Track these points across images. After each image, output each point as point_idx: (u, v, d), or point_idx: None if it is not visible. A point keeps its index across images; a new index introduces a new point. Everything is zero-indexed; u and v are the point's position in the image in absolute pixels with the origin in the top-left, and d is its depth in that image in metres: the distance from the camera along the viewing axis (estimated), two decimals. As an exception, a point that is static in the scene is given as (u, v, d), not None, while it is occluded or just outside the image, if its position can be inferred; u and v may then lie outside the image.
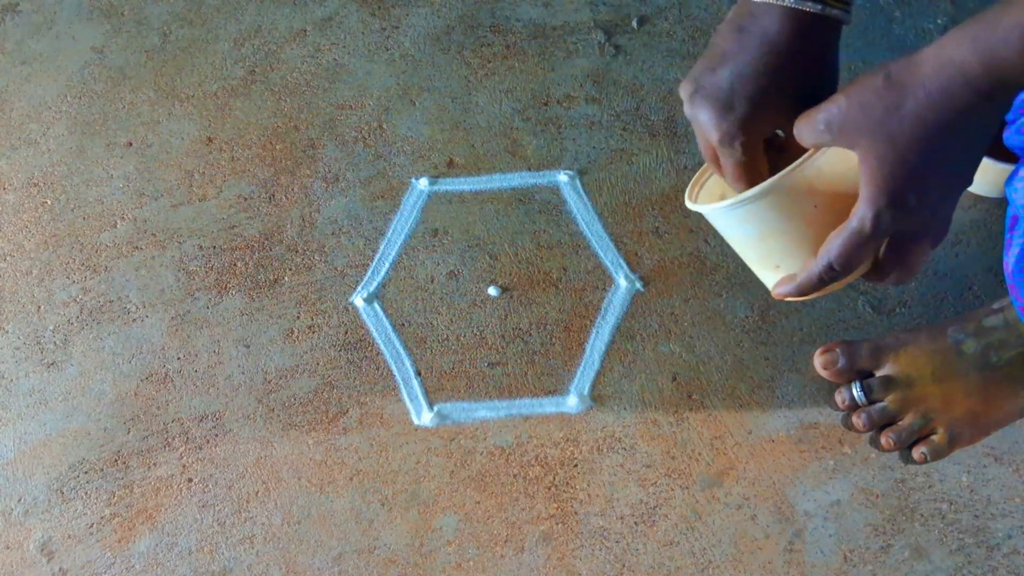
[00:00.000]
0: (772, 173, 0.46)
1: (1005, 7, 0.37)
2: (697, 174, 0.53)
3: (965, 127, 0.40)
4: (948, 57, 0.38)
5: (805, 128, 0.43)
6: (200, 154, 0.87)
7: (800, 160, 0.44)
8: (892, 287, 0.76)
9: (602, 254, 0.79)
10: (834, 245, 0.44)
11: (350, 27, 0.94)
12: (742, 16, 0.46)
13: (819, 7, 0.44)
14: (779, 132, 0.49)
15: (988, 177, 0.77)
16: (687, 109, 0.48)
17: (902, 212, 0.42)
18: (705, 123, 0.47)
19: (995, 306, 0.68)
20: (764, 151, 0.48)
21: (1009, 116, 0.59)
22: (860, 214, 0.42)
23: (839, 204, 0.44)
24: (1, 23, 0.98)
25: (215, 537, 0.69)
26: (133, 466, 0.72)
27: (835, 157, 0.44)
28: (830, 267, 0.44)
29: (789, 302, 0.75)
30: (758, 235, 0.48)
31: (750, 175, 0.48)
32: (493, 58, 0.91)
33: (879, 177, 0.41)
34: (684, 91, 0.48)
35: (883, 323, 0.75)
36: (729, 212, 0.47)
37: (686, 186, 0.53)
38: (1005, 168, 0.72)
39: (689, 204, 0.51)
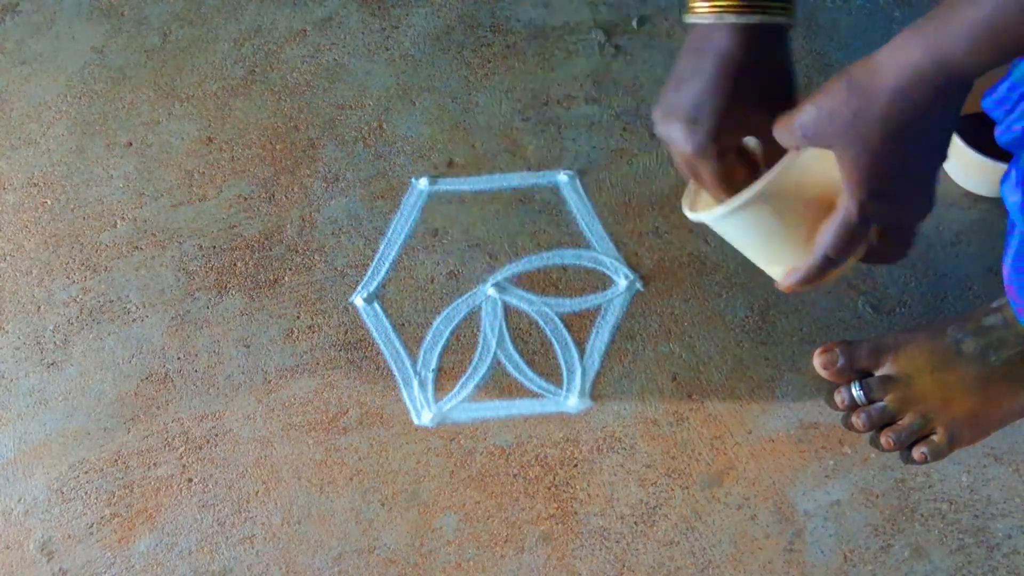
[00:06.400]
0: (749, 180, 0.49)
1: (952, 6, 0.39)
2: (690, 183, 0.55)
3: (928, 118, 0.42)
4: (904, 59, 0.40)
5: (783, 132, 0.46)
6: (200, 154, 0.87)
7: (785, 160, 0.47)
8: (893, 288, 0.76)
9: (602, 254, 0.79)
10: (827, 237, 0.47)
11: (350, 27, 0.94)
12: (695, 39, 0.49)
13: (758, 18, 0.47)
14: (749, 142, 0.52)
15: (987, 177, 0.77)
16: (658, 131, 0.51)
17: (883, 201, 0.45)
18: (677, 139, 0.49)
19: (994, 305, 0.68)
20: (740, 161, 0.51)
21: (997, 114, 0.60)
22: (846, 207, 0.45)
23: (827, 196, 0.47)
24: (1, 23, 0.98)
25: (215, 537, 0.69)
26: (133, 466, 0.72)
27: (816, 153, 0.46)
28: (827, 257, 0.47)
29: (790, 300, 0.76)
30: (758, 234, 0.51)
31: (728, 182, 0.50)
32: (493, 58, 0.91)
33: (857, 174, 0.44)
34: (655, 116, 0.51)
35: (883, 323, 0.75)
36: (728, 217, 0.49)
37: (686, 186, 0.54)
38: (1004, 168, 0.72)
39: (688, 213, 0.53)
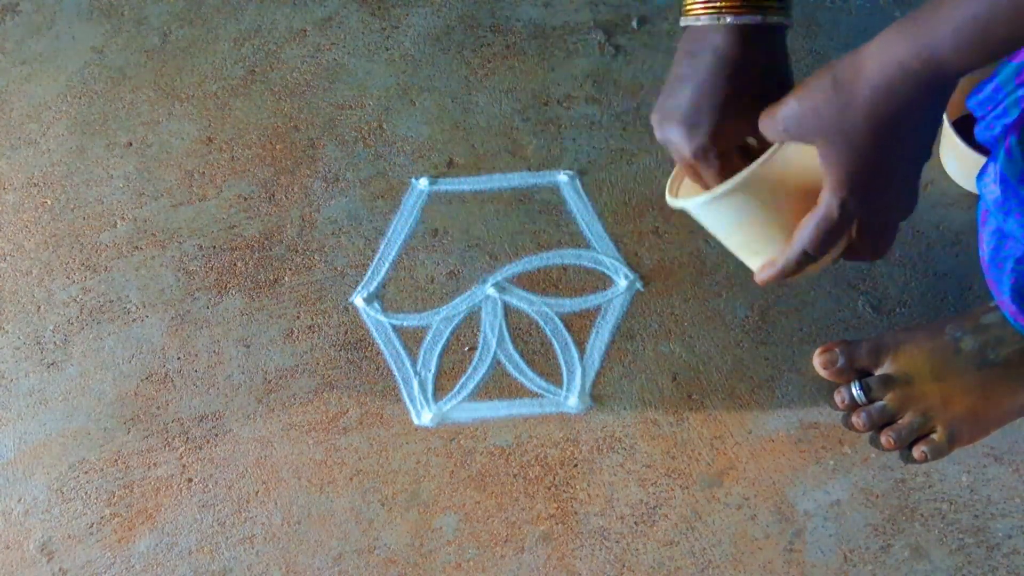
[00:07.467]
0: None
1: (939, 4, 0.38)
2: (675, 171, 0.55)
3: (912, 115, 0.42)
4: (889, 55, 0.40)
5: (768, 125, 0.46)
6: (200, 154, 0.87)
7: (768, 152, 0.47)
8: (893, 288, 0.76)
9: (602, 254, 0.79)
10: (806, 231, 0.46)
11: (350, 27, 0.94)
12: (690, 41, 0.48)
13: (758, 18, 0.46)
14: (749, 140, 0.51)
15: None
16: (658, 135, 0.50)
17: (864, 198, 0.44)
18: (676, 143, 0.49)
19: (992, 303, 0.68)
20: (739, 158, 0.50)
21: (978, 112, 0.60)
22: (826, 202, 0.45)
23: (808, 190, 0.46)
24: (1, 23, 0.98)
25: (215, 537, 0.69)
26: (133, 466, 0.72)
27: (800, 147, 0.46)
28: (804, 252, 0.47)
29: (790, 300, 0.75)
30: (737, 224, 0.50)
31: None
32: (493, 58, 0.91)
33: (839, 170, 0.43)
34: (653, 120, 0.50)
35: (883, 323, 0.75)
36: (708, 205, 0.49)
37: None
38: None
39: (670, 200, 0.53)
